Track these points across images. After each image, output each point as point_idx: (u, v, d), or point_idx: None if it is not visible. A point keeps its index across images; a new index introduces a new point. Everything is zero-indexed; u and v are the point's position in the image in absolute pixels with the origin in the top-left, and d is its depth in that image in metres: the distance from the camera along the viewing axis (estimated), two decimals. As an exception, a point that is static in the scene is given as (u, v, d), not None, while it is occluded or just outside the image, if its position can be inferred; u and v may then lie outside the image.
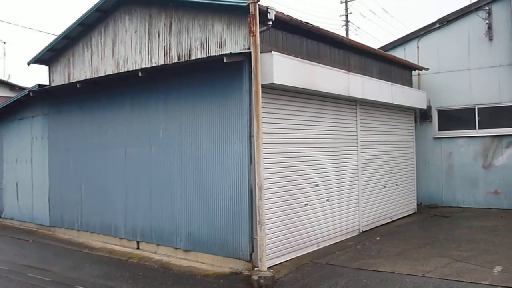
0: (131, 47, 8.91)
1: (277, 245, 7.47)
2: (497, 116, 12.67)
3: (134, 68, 8.70)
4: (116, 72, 9.13)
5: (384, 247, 8.57)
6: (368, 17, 50.95)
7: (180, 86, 8.09)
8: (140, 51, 8.75)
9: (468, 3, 13.03)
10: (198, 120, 7.76)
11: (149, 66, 8.47)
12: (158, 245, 8.42)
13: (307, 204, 8.27)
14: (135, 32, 8.84)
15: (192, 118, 7.86)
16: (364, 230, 10.03)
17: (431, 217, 11.80)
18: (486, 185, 12.78)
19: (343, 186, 9.40)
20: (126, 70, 8.94)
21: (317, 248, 8.47)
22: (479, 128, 12.88)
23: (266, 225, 6.83)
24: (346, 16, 32.70)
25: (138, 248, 8.78)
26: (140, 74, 7.87)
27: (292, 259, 7.75)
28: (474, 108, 12.93)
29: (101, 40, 9.58)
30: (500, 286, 6.10)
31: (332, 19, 60.35)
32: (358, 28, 43.22)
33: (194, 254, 7.83)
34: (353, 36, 34.92)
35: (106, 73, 9.29)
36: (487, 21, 12.62)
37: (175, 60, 8.07)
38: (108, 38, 9.45)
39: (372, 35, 51.74)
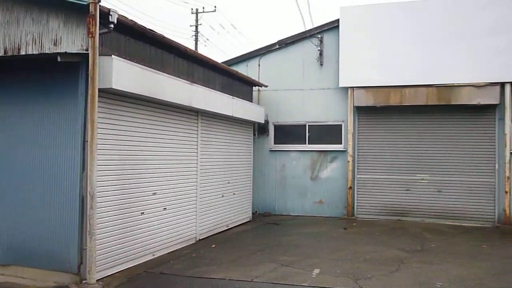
0: None
1: (109, 256, 7.19)
2: (324, 133, 14.12)
3: (-51, 57, 7.61)
4: None
5: (219, 255, 8.85)
6: (218, 30, 52.52)
7: (9, 84, 7.35)
8: (-42, 39, 7.69)
9: (304, 29, 14.30)
10: (28, 123, 7.13)
11: (-31, 56, 7.50)
12: (-31, 260, 7.43)
13: (143, 212, 8.14)
14: (-47, 17, 7.75)
15: (21, 120, 7.19)
16: (201, 238, 10.24)
17: (264, 225, 12.57)
18: (313, 195, 14.11)
19: (181, 194, 9.48)
20: None
21: (152, 258, 8.38)
22: (309, 143, 14.19)
23: (98, 235, 6.57)
24: (196, 27, 33.27)
25: None
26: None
27: (125, 269, 7.52)
28: (306, 125, 14.22)
29: None
30: (316, 286, 6.78)
31: (183, 28, 60.82)
32: (208, 39, 44.21)
33: (14, 268, 7.09)
34: (202, 48, 35.75)
35: None
36: (319, 48, 14.04)
37: (1, 54, 7.27)
38: None
39: (220, 48, 53.43)
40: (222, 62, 13.17)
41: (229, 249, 9.39)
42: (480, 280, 7.17)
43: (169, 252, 8.88)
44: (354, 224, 12.67)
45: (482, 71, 12.34)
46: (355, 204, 13.59)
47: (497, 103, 12.23)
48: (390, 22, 13.19)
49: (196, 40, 33.41)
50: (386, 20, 13.24)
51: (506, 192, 12.27)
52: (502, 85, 12.30)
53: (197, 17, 33.33)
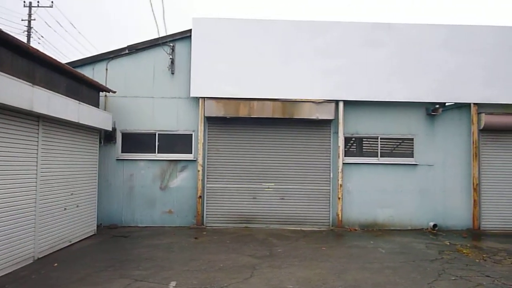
0: None
1: None
2: (174, 143, 14.00)
3: None
4: None
5: (64, 274, 8.08)
6: (54, 28, 48.37)
7: None
8: None
9: (158, 36, 14.05)
10: None
11: None
12: None
13: (-28, 232, 7.03)
14: None
15: None
16: (41, 256, 9.24)
17: (111, 238, 11.89)
18: (162, 205, 13.84)
19: (17, 209, 8.43)
20: None
21: (-19, 284, 7.29)
22: (158, 152, 13.92)
23: None
24: (29, 22, 30.25)
25: None
26: None
27: None
28: (155, 134, 13.93)
29: None
30: (175, 300, 6.66)
31: (14, 22, 54.55)
32: (42, 37, 40.41)
33: None
34: (36, 45, 32.53)
35: None
36: (171, 57, 13.91)
37: None
38: None
39: (57, 47, 49.26)
40: (66, 64, 12.17)
41: (75, 267, 8.65)
42: (324, 280, 7.83)
43: (1, 276, 7.81)
44: (204, 233, 12.76)
45: (320, 89, 13.63)
46: (205, 213, 13.73)
47: (333, 118, 13.61)
48: (241, 37, 13.72)
49: (29, 36, 30.36)
50: (237, 35, 13.73)
51: (339, 198, 13.69)
52: (337, 102, 13.76)
53: (30, 11, 30.33)
